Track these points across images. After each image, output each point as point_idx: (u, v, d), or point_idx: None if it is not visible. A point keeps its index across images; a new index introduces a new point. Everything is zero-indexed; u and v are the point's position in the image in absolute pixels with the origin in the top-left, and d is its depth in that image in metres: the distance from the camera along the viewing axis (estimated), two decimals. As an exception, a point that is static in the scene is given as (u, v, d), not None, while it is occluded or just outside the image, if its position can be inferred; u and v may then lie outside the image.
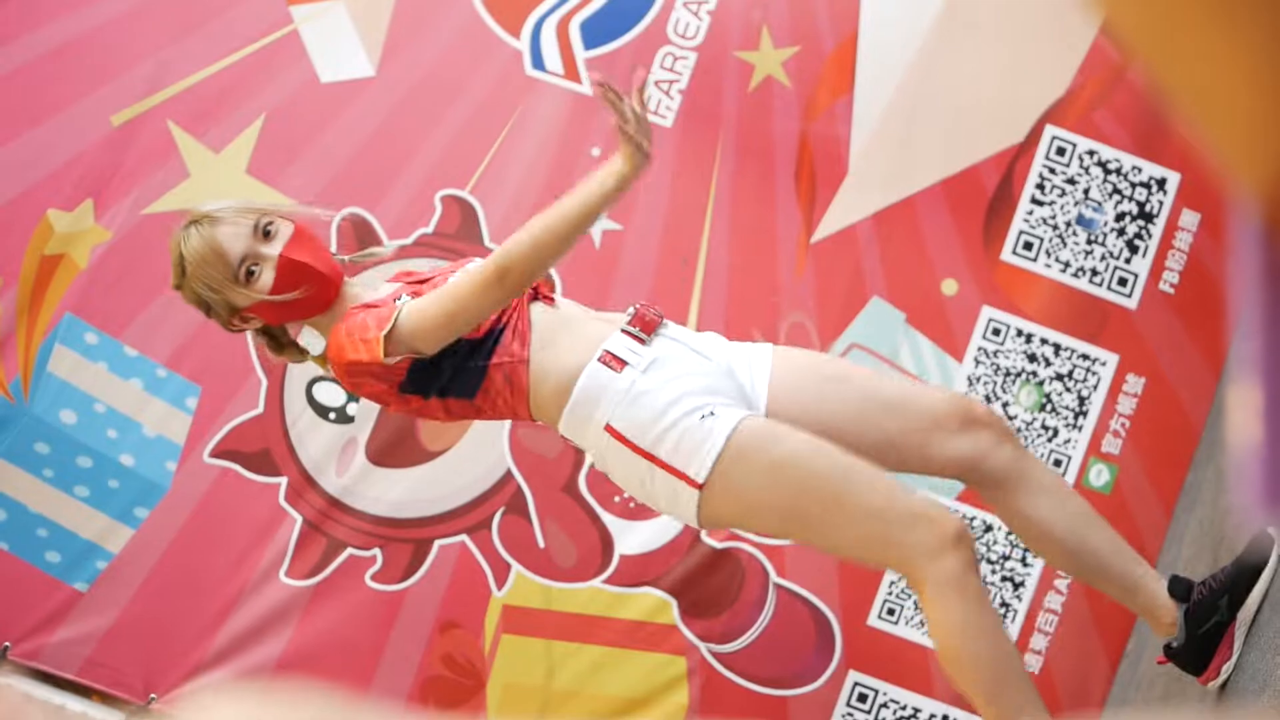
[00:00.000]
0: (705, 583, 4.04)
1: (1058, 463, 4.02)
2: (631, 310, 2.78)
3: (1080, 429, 4.04)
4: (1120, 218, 4.07)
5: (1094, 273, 4.06)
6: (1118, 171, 4.07)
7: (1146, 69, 0.60)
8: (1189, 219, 4.06)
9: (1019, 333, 4.05)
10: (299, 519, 4.05)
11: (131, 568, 4.04)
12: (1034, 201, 4.07)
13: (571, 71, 4.13)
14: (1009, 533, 3.99)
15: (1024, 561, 4.02)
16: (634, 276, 4.06)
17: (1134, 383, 4.04)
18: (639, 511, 4.03)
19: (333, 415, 4.06)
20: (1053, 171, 4.07)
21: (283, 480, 4.06)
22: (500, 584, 4.05)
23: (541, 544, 4.05)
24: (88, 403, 4.05)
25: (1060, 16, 4.05)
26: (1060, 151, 4.08)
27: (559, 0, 4.15)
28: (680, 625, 4.03)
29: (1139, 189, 4.07)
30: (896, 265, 4.08)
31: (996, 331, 4.06)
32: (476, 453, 4.07)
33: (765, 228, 4.10)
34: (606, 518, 4.05)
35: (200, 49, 4.14)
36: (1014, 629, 4.01)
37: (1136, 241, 4.06)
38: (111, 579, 4.04)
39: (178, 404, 4.06)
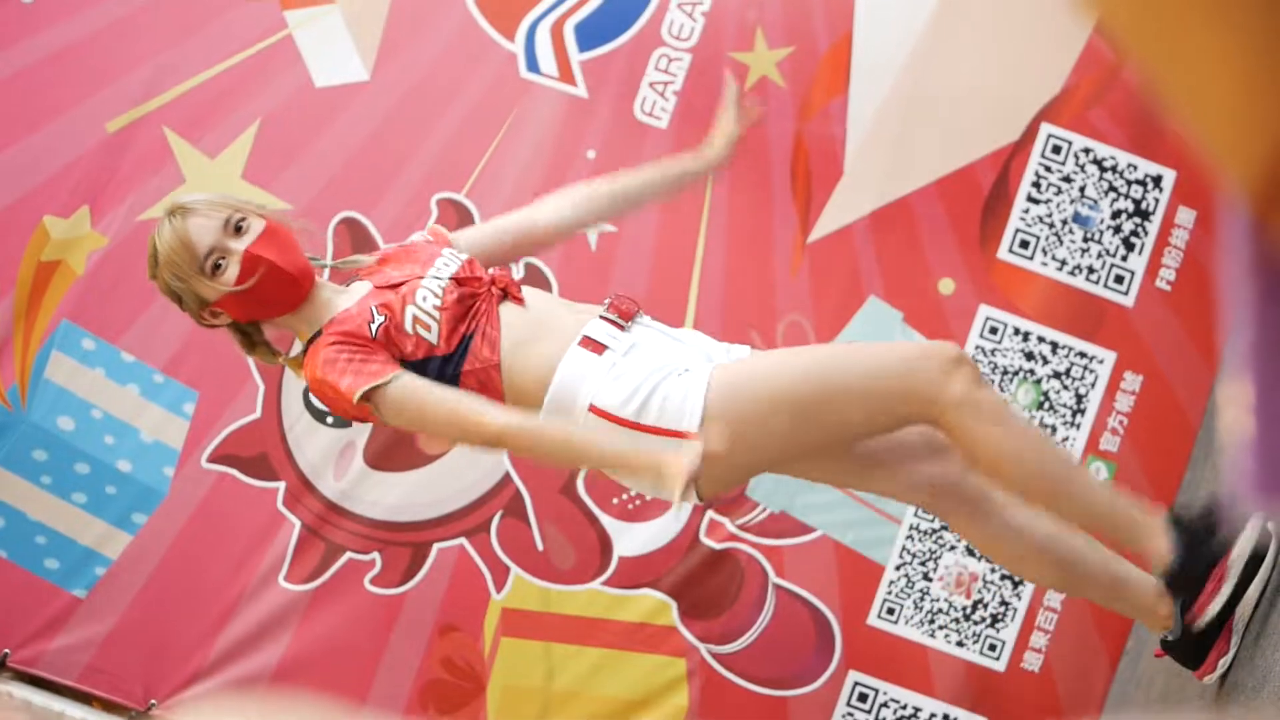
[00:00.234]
0: (704, 584, 4.04)
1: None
2: (608, 300, 2.80)
3: (1078, 427, 4.04)
4: (1116, 215, 4.07)
5: (1090, 270, 4.06)
6: (1113, 169, 4.07)
7: (1138, 66, 0.60)
8: (1185, 216, 4.07)
9: (1016, 331, 4.05)
10: (297, 523, 4.05)
11: (130, 574, 4.04)
12: (1030, 200, 4.08)
13: (566, 74, 4.13)
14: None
15: (1023, 560, 4.02)
16: (629, 278, 4.06)
17: (1131, 380, 4.04)
18: (637, 513, 4.03)
19: (330, 419, 4.05)
20: (1048, 170, 4.08)
21: (281, 485, 4.06)
22: (499, 587, 4.05)
23: (540, 546, 4.05)
24: (85, 409, 4.05)
25: (1055, 15, 4.05)
26: (1056, 150, 4.08)
27: (553, 3, 4.15)
28: (680, 626, 4.03)
29: (1135, 186, 4.07)
30: (893, 265, 4.08)
31: (994, 330, 4.06)
32: (474, 456, 4.07)
33: (761, 228, 4.10)
34: (605, 519, 4.05)
35: (195, 55, 4.14)
36: (1014, 627, 4.01)
37: (1133, 239, 4.06)
38: (110, 585, 4.03)
39: (175, 409, 4.06)
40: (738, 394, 2.64)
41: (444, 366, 2.73)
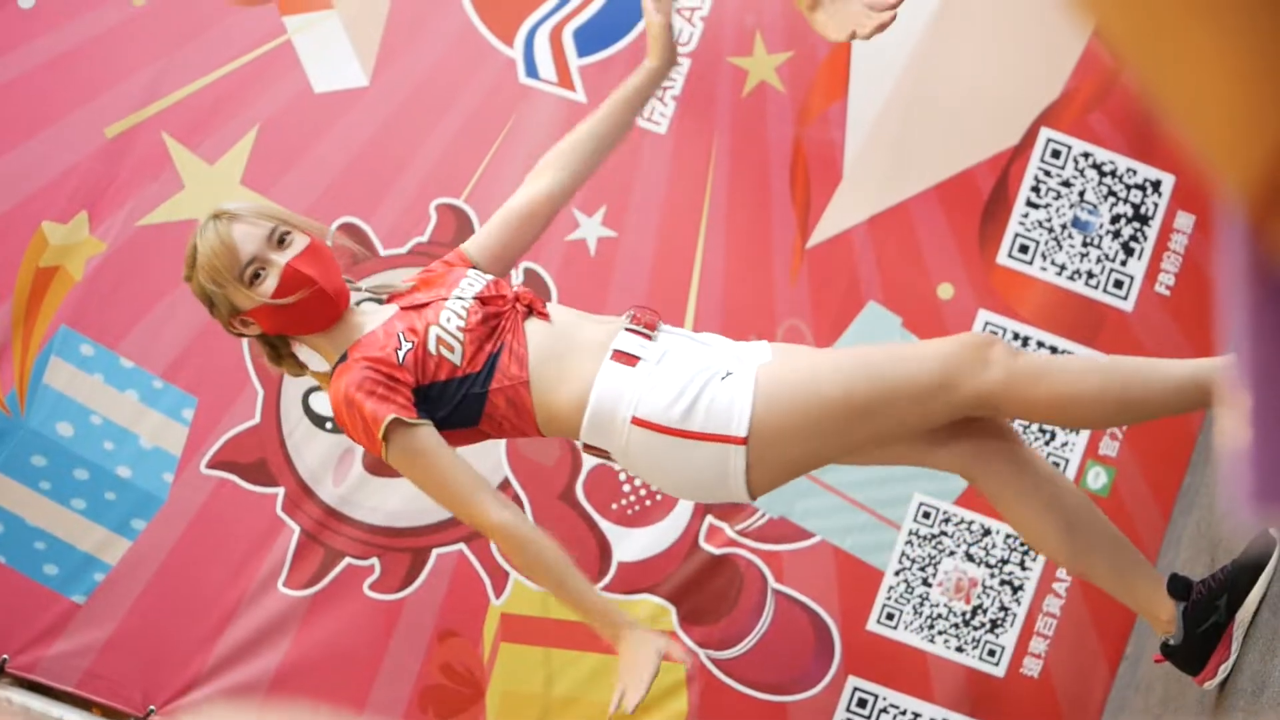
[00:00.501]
0: (704, 589, 4.04)
1: (1056, 465, 4.01)
2: (630, 312, 2.81)
3: (1077, 431, 4.03)
4: (1115, 220, 4.07)
5: (1090, 275, 4.06)
6: (1113, 174, 4.07)
7: (1135, 72, 0.60)
8: (1184, 221, 4.06)
9: (1015, 336, 4.05)
10: (296, 529, 4.05)
11: (129, 579, 4.03)
12: (1029, 204, 4.07)
13: (565, 79, 4.13)
14: (1008, 536, 3.99)
15: (1023, 565, 4.02)
16: (629, 283, 4.06)
17: (1131, 385, 4.03)
18: (637, 518, 4.03)
19: (329, 425, 4.05)
20: (1048, 174, 4.07)
21: (280, 490, 4.05)
22: (498, 592, 4.05)
23: (539, 552, 4.04)
24: (84, 415, 4.05)
25: (1054, 19, 4.05)
26: (1055, 154, 4.08)
27: (552, 8, 4.15)
28: (679, 632, 4.02)
29: (1134, 191, 4.07)
30: (892, 269, 4.08)
31: (993, 335, 4.05)
32: (473, 461, 4.05)
33: (760, 233, 4.09)
34: (604, 525, 4.05)
35: (194, 60, 4.14)
36: (1013, 633, 4.01)
37: (1132, 244, 4.06)
38: (109, 591, 4.03)
39: (174, 415, 4.06)
40: (786, 396, 2.66)
41: (469, 386, 2.73)
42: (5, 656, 4.00)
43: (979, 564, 4.01)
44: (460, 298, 2.79)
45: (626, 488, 4.05)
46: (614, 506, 4.03)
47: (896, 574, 4.03)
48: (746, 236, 4.09)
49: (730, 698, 4.01)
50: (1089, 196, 4.07)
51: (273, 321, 2.79)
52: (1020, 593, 4.02)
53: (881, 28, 2.79)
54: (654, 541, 4.03)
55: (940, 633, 4.02)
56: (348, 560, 4.04)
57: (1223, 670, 2.69)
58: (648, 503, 4.01)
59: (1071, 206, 4.07)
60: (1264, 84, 0.55)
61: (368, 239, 4.08)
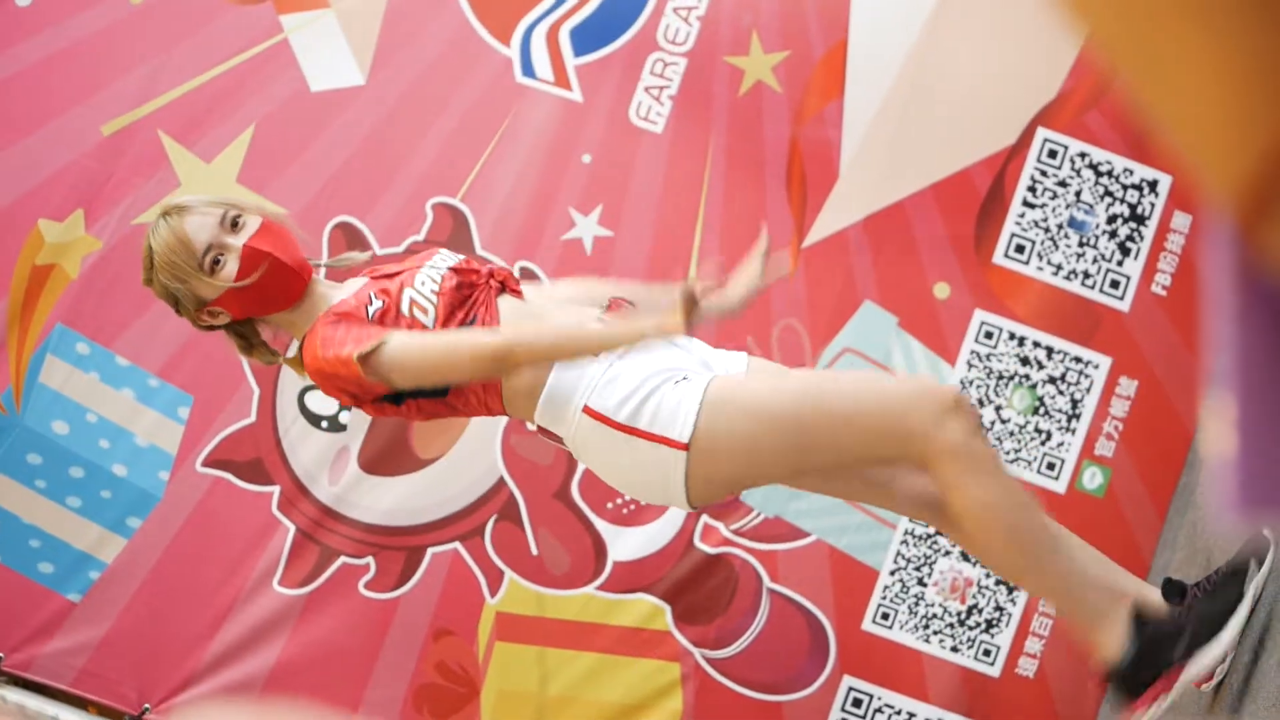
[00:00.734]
0: (699, 588, 4.04)
1: (1051, 466, 4.02)
2: (606, 301, 2.80)
3: (1073, 432, 4.03)
4: (1112, 220, 4.07)
5: (1086, 275, 4.06)
6: (1109, 174, 4.07)
7: (1124, 75, 0.60)
8: (1181, 221, 4.06)
9: (1011, 336, 4.05)
10: (292, 528, 4.04)
11: (124, 578, 4.03)
12: (1026, 204, 4.07)
13: (562, 79, 4.13)
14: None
15: (1018, 565, 4.01)
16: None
17: (1127, 385, 4.04)
18: (632, 518, 4.03)
19: (325, 424, 4.05)
20: (1044, 174, 4.07)
21: (275, 489, 4.05)
22: (493, 591, 4.05)
23: (534, 551, 4.05)
24: (80, 413, 4.05)
25: (1050, 19, 4.05)
26: (1052, 154, 4.08)
27: (549, 7, 4.15)
28: (674, 631, 4.02)
29: (1130, 191, 4.07)
30: (888, 269, 4.08)
31: (989, 335, 4.06)
32: (469, 460, 4.07)
33: (756, 233, 4.08)
34: (599, 524, 4.05)
35: (190, 58, 4.14)
36: (1008, 633, 4.01)
37: (1128, 244, 4.06)
38: (104, 589, 4.03)
39: (170, 413, 4.05)
40: (731, 408, 2.62)
41: None
42: (1, 655, 4.00)
43: (974, 564, 4.01)
44: (434, 267, 2.79)
45: (622, 487, 4.05)
46: (609, 506, 4.03)
47: (892, 573, 4.03)
48: (742, 236, 4.09)
49: (725, 697, 4.01)
50: (1085, 196, 4.07)
51: (240, 305, 2.78)
52: (1016, 592, 4.02)
53: None
54: (649, 541, 4.03)
55: (935, 632, 4.02)
56: (343, 559, 4.04)
57: (1220, 671, 2.67)
58: (643, 502, 4.01)
59: (1068, 206, 4.07)
60: (1252, 87, 0.55)
61: (364, 237, 4.08)
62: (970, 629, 4.01)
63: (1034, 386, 4.05)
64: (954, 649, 4.01)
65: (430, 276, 2.77)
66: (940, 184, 4.08)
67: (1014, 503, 2.58)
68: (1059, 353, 4.05)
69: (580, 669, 4.02)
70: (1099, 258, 4.06)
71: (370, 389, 2.68)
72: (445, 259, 2.84)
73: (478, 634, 4.04)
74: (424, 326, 2.71)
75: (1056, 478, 3.99)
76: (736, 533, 4.03)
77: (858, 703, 4.01)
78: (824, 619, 4.03)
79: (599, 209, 4.09)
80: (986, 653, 4.01)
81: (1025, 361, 4.05)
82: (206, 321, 2.83)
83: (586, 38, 4.14)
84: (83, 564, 4.04)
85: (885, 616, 4.03)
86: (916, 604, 4.02)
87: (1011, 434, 4.02)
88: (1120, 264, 4.05)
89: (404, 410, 2.77)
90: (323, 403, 4.05)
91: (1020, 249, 4.07)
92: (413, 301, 2.72)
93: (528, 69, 4.14)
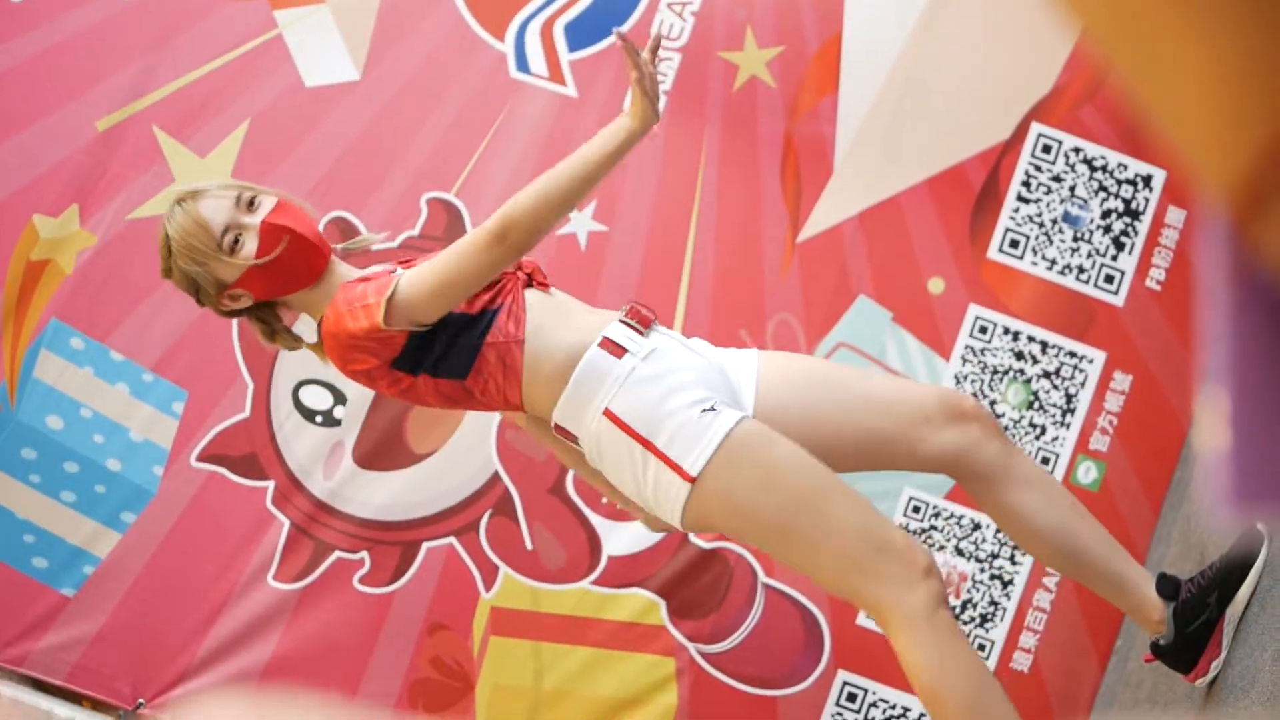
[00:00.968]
0: (693, 583, 4.04)
1: (1046, 460, 4.02)
2: (626, 306, 2.80)
3: (1068, 426, 4.04)
4: (1106, 215, 4.07)
5: (1081, 270, 4.06)
6: (1104, 169, 4.07)
7: (1119, 70, 0.60)
8: (1175, 216, 4.07)
9: (1006, 330, 4.06)
10: (286, 522, 4.04)
11: (119, 572, 4.03)
12: (1020, 199, 4.08)
13: (556, 74, 4.13)
14: (997, 531, 3.99)
15: (1012, 560, 4.02)
16: (620, 277, 4.06)
17: (1121, 380, 4.04)
18: (627, 512, 4.03)
19: (319, 419, 4.05)
20: (1039, 169, 4.08)
21: (270, 484, 4.05)
22: (488, 586, 4.05)
23: (529, 546, 4.05)
24: (74, 408, 4.04)
25: (1045, 13, 4.05)
26: (1046, 149, 4.08)
27: (543, 3, 4.15)
28: (669, 626, 4.03)
29: (1125, 186, 4.07)
30: (883, 264, 4.08)
31: (983, 329, 4.06)
32: (464, 455, 4.07)
33: (751, 227, 4.10)
34: (594, 519, 4.05)
35: (185, 54, 4.13)
36: (1003, 627, 4.01)
37: (1123, 239, 4.06)
38: (99, 584, 4.03)
39: (164, 408, 4.05)
40: (745, 465, 2.58)
41: (465, 330, 2.69)
42: (-5, 650, 4.00)
43: (969, 558, 4.02)
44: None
45: (617, 482, 4.05)
46: (604, 501, 4.03)
47: (886, 568, 4.02)
48: (737, 231, 4.10)
49: (720, 692, 4.02)
50: (1080, 191, 4.07)
51: (263, 284, 2.76)
52: (1010, 587, 4.03)
53: None
54: (644, 536, 4.03)
55: (930, 627, 4.02)
56: (337, 554, 4.04)
57: (1214, 667, 2.70)
58: (644, 507, 4.01)
59: (1062, 201, 4.07)
60: (1247, 83, 0.55)
61: (359, 233, 4.07)
62: (964, 624, 4.02)
63: (1028, 381, 4.05)
64: (948, 643, 4.01)
65: None
66: (935, 179, 4.09)
67: (967, 672, 2.54)
68: (1053, 347, 4.05)
69: (575, 663, 4.03)
70: (1093, 253, 4.06)
71: (390, 342, 2.64)
72: None
73: (472, 629, 4.04)
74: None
75: (1051, 472, 3.99)
76: (731, 527, 4.03)
77: (852, 697, 4.02)
78: (818, 614, 4.03)
79: (593, 204, 4.09)
80: (981, 647, 4.01)
81: (1020, 356, 4.05)
82: (228, 306, 2.80)
83: (581, 33, 4.14)
84: (77, 559, 4.03)
85: (880, 611, 4.03)
86: (911, 598, 4.02)
87: (1006, 429, 4.02)
88: (1115, 259, 4.06)
89: (419, 386, 2.73)
90: (317, 397, 4.05)
91: (1015, 244, 4.07)
92: None
93: (522, 64, 4.14)
